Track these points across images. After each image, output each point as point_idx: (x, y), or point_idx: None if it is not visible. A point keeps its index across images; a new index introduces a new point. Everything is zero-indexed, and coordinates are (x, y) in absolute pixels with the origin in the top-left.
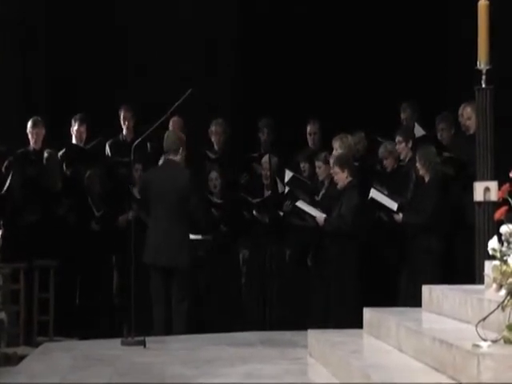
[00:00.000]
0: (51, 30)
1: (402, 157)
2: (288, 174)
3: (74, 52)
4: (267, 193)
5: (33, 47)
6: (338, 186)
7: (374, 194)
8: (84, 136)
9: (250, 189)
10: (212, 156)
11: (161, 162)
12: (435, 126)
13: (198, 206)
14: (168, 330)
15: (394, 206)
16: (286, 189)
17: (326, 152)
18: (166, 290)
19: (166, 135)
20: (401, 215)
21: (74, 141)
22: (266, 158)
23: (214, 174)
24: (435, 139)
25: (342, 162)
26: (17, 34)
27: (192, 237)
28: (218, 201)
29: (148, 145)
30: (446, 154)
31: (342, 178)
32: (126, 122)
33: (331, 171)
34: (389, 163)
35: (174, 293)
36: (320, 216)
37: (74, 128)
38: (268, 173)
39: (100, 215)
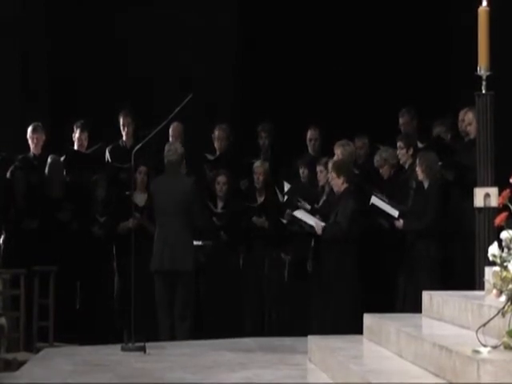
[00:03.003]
0: (52, 32)
1: (401, 162)
2: (286, 186)
3: (75, 56)
4: (260, 198)
5: (34, 50)
6: (335, 192)
7: (374, 200)
8: (85, 143)
9: (250, 195)
10: (211, 158)
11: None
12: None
13: (200, 213)
14: (173, 335)
15: (394, 213)
16: (285, 198)
17: (328, 157)
18: (170, 297)
19: (166, 150)
20: (401, 222)
21: (75, 147)
22: (258, 163)
23: (222, 179)
24: (440, 141)
25: (339, 168)
26: (17, 36)
27: (193, 242)
28: (219, 211)
29: (147, 151)
30: (457, 159)
31: (337, 183)
32: (126, 128)
33: (328, 175)
34: (385, 171)
35: (177, 307)
36: (318, 224)
37: (76, 135)
38: (260, 177)
39: (103, 221)
